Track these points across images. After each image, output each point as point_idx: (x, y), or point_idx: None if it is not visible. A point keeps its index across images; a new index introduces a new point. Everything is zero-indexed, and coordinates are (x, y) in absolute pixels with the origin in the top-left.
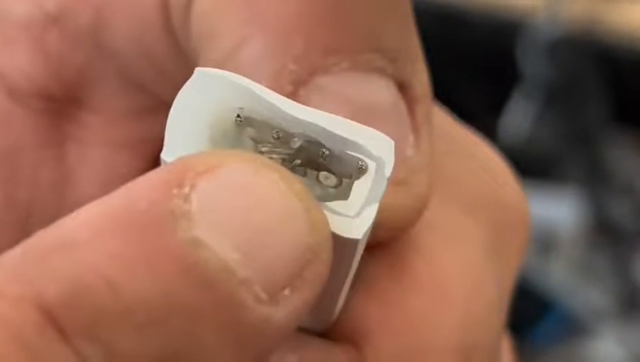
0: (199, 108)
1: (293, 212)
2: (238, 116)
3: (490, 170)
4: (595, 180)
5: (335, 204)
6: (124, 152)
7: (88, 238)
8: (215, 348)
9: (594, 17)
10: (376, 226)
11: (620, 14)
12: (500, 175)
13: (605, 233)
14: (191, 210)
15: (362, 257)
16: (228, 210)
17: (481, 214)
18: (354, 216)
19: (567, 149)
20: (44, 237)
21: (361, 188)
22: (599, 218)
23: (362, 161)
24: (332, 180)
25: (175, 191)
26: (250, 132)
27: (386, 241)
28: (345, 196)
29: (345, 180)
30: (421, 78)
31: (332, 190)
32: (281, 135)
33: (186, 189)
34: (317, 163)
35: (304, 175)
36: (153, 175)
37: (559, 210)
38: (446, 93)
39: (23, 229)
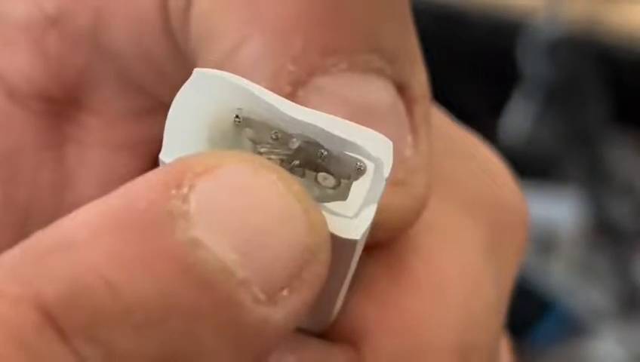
0: (198, 108)
1: (291, 212)
2: (237, 117)
3: (488, 170)
4: (595, 180)
5: (333, 205)
6: (124, 153)
7: (87, 238)
8: (214, 348)
9: (594, 17)
10: (375, 227)
11: (620, 14)
12: (498, 175)
13: (605, 233)
14: (189, 211)
15: (361, 257)
16: (226, 210)
17: (479, 214)
18: (352, 217)
19: (567, 149)
20: (42, 238)
21: (359, 188)
22: (599, 218)
23: (361, 161)
24: (330, 181)
25: (174, 191)
26: (249, 133)
27: (385, 242)
28: (343, 197)
29: (343, 181)
30: (420, 79)
31: (330, 191)
32: (279, 136)
33: (185, 190)
34: (315, 164)
35: (302, 176)
36: (152, 175)
37: (559, 210)
38: (446, 94)
39: (22, 230)
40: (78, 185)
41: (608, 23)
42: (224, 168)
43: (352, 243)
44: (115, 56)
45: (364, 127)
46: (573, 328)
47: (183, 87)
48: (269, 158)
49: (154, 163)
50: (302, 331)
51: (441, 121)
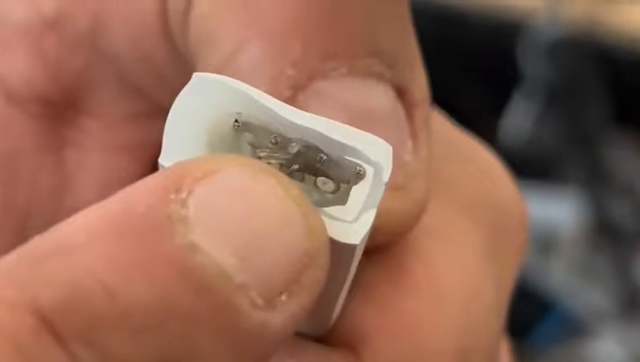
0: (197, 113)
1: (290, 217)
2: (236, 121)
3: (488, 173)
4: (595, 181)
5: (333, 210)
6: (123, 157)
7: (85, 243)
8: (212, 353)
9: (594, 18)
10: (374, 231)
11: (620, 15)
12: (497, 178)
13: (605, 233)
14: (188, 215)
15: (360, 261)
16: (225, 215)
17: (479, 217)
18: (352, 222)
19: (568, 150)
20: (40, 242)
21: (359, 193)
22: (599, 218)
23: (360, 166)
24: (330, 185)
25: (172, 196)
26: (248, 137)
27: (384, 246)
28: (343, 201)
29: (343, 185)
30: (420, 83)
31: (330, 195)
32: (279, 140)
33: (184, 194)
34: (315, 168)
35: (302, 180)
36: (151, 180)
37: (559, 210)
38: (446, 95)
39: (21, 233)
40: (77, 189)
41: (608, 24)
42: (223, 172)
43: (352, 247)
44: (114, 59)
45: (363, 132)
46: (574, 328)
47: (182, 92)
48: (269, 163)
49: (153, 166)
50: (301, 335)
51: (441, 124)
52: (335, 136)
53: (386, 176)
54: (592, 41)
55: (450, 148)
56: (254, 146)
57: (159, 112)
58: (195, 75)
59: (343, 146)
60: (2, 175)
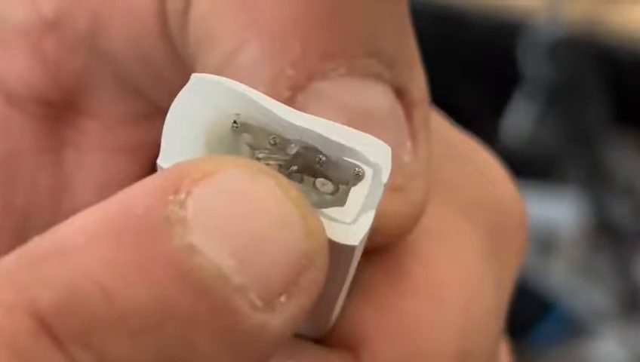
0: (196, 114)
1: (289, 218)
2: (235, 122)
3: (487, 173)
4: (595, 181)
5: (332, 211)
6: (122, 157)
7: (83, 244)
8: (210, 354)
9: (594, 18)
10: (373, 232)
11: (621, 15)
12: (497, 178)
13: (606, 234)
14: (186, 217)
15: (359, 262)
16: (224, 216)
17: (478, 218)
18: (350, 223)
19: (568, 150)
20: (39, 244)
21: (357, 194)
22: (600, 218)
23: (359, 167)
24: (329, 187)
25: (171, 197)
26: (247, 138)
27: (384, 246)
28: (341, 202)
29: (342, 187)
30: (419, 83)
31: (329, 196)
32: (277, 141)
33: (182, 195)
34: (314, 169)
35: (301, 181)
36: (149, 181)
37: (560, 210)
38: (447, 95)
39: (20, 234)
40: (76, 190)
41: (609, 24)
42: (221, 174)
43: (351, 249)
44: (113, 60)
45: (362, 133)
46: (574, 328)
47: (180, 93)
48: (267, 164)
49: (152, 167)
50: (300, 337)
51: (440, 124)
52: (334, 137)
53: (384, 177)
54: (592, 41)
55: (450, 149)
56: (253, 147)
57: (158, 113)
58: (194, 76)
59: (341, 147)
60: (1, 175)
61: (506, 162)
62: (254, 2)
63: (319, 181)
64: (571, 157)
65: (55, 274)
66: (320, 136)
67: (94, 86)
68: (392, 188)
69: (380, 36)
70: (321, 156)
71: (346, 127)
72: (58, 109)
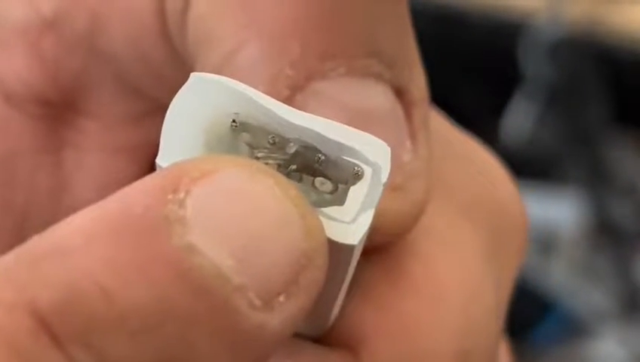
0: (195, 113)
1: (288, 218)
2: (234, 121)
3: (487, 173)
4: (596, 181)
5: (331, 210)
6: (122, 157)
7: (82, 244)
8: (210, 354)
9: (595, 18)
10: (373, 231)
11: (621, 15)
12: (497, 178)
13: (606, 234)
14: (186, 216)
15: (359, 262)
16: (223, 215)
17: (478, 218)
18: (350, 222)
19: (568, 150)
20: (38, 243)
21: (357, 193)
22: (600, 218)
23: (358, 166)
24: (328, 186)
25: (170, 196)
26: (246, 137)
27: (383, 246)
28: (341, 202)
29: (341, 186)
30: (418, 83)
31: (328, 196)
32: (276, 140)
33: (181, 195)
34: (313, 168)
35: (300, 180)
36: (148, 180)
37: (560, 210)
38: (447, 95)
39: (19, 234)
40: (75, 189)
41: (609, 24)
42: (221, 173)
43: (350, 248)
44: (112, 60)
45: (361, 132)
46: (574, 329)
47: (179, 91)
48: (266, 163)
49: (152, 167)
50: (299, 336)
51: (440, 124)
52: (333, 137)
53: (384, 177)
54: (592, 41)
55: (450, 148)
56: (252, 146)
57: (157, 112)
58: (193, 75)
59: (341, 146)
60: (0, 175)
61: (506, 162)
62: (253, 2)
63: (318, 180)
64: (571, 158)
65: (54, 274)
66: (319, 135)
67: (93, 86)
68: (391, 187)
69: (380, 36)
70: (320, 155)
71: (345, 126)
72: (57, 109)
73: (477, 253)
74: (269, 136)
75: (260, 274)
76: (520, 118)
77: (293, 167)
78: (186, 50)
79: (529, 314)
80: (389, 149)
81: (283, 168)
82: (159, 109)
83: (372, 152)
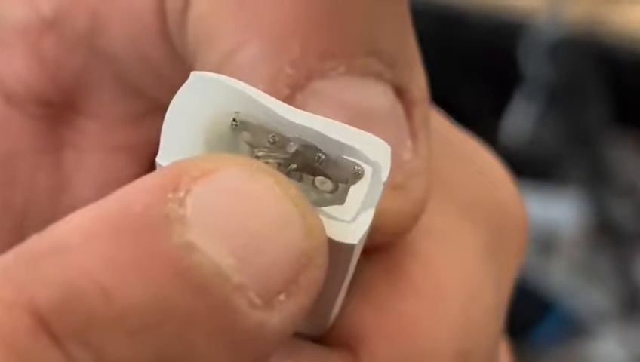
0: (195, 112)
1: (288, 217)
2: (234, 120)
3: (487, 173)
4: (596, 181)
5: (331, 209)
6: (121, 157)
7: (81, 242)
8: (209, 353)
9: (595, 18)
10: (373, 231)
11: (621, 15)
12: (497, 178)
13: (606, 234)
14: (186, 215)
15: (359, 261)
16: (223, 214)
17: (478, 218)
18: (350, 221)
19: (568, 150)
20: (37, 242)
21: (357, 193)
22: (600, 219)
23: (358, 165)
24: (328, 185)
25: (170, 195)
26: (246, 136)
27: (383, 246)
28: (341, 201)
29: (341, 185)
30: (419, 82)
31: (328, 195)
32: (277, 139)
33: (181, 193)
34: (313, 167)
35: (300, 180)
36: (148, 179)
37: (560, 210)
38: (447, 95)
39: (19, 234)
40: (75, 189)
41: (609, 24)
42: (221, 172)
43: (350, 247)
44: (112, 59)
45: (362, 131)
46: (574, 329)
47: (180, 90)
48: (267, 162)
49: (151, 166)
50: (299, 336)
51: (440, 123)
52: (333, 136)
53: (384, 176)
54: (592, 41)
55: (450, 148)
56: (252, 145)
57: (157, 112)
58: (193, 74)
59: (341, 145)
60: (0, 175)
61: (506, 162)
62: (253, 2)
63: (318, 179)
64: (572, 158)
65: (53, 272)
66: (319, 134)
67: (93, 85)
68: (392, 186)
69: (380, 35)
70: (320, 154)
71: (345, 125)
72: (57, 109)
73: (477, 253)
74: (270, 135)
75: (260, 273)
76: (520, 118)
77: (294, 166)
78: (186, 49)
79: (529, 314)
80: (389, 148)
81: (283, 167)
82: (159, 109)
83: (372, 151)
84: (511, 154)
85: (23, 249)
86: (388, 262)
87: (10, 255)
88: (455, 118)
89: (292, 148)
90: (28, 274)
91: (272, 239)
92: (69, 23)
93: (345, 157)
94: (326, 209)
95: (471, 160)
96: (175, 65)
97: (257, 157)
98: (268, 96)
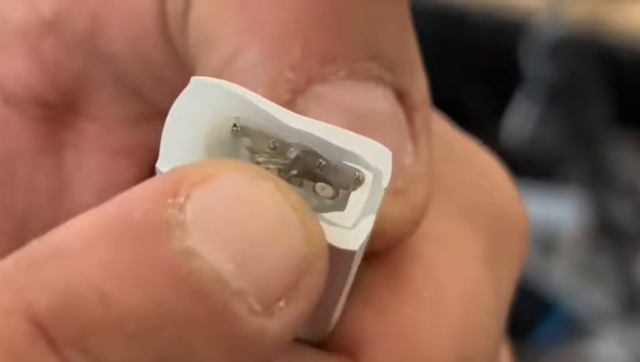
0: (195, 117)
1: (288, 223)
2: (235, 125)
3: (488, 176)
4: (597, 181)
5: (331, 215)
6: (121, 159)
7: (81, 248)
8: (208, 359)
9: (596, 18)
10: (374, 236)
11: (622, 15)
12: (498, 181)
13: (607, 234)
14: (185, 220)
15: (359, 266)
16: (223, 220)
17: (479, 221)
18: (350, 227)
19: (569, 150)
20: (37, 247)
21: (357, 199)
22: (601, 219)
23: (359, 171)
24: (329, 191)
25: (170, 200)
26: (247, 142)
27: (384, 250)
28: (341, 207)
29: (342, 191)
30: (420, 86)
31: (329, 201)
32: (277, 145)
33: (181, 199)
34: (313, 173)
35: (300, 185)
36: (148, 184)
37: (561, 210)
38: (448, 95)
39: (19, 237)
40: (75, 191)
41: (610, 24)
42: (221, 177)
43: (350, 254)
44: (113, 61)
45: (362, 137)
46: (575, 329)
47: (180, 96)
48: (267, 168)
49: (152, 169)
50: (299, 341)
51: (441, 126)
52: (334, 141)
53: (385, 182)
54: (593, 41)
55: (450, 151)
56: (253, 151)
57: (158, 114)
58: (193, 79)
59: (342, 151)
60: (0, 177)
61: (507, 162)
62: (254, 4)
63: (319, 185)
64: (573, 158)
65: (52, 278)
66: (320, 139)
67: (93, 87)
68: (392, 191)
69: (381, 39)
70: (321, 160)
71: (346, 130)
72: (57, 110)
73: (477, 257)
74: (270, 141)
75: (259, 279)
76: (521, 118)
77: (294, 172)
78: (187, 51)
79: (530, 314)
80: (390, 154)
81: (284, 173)
82: (160, 111)
83: (373, 157)
84: (511, 154)
85: (22, 254)
86: (388, 267)
87: (10, 260)
88: (456, 118)
89: (293, 153)
90: (27, 279)
91: (272, 245)
92: (69, 25)
93: (346, 163)
94: (326, 215)
95: (471, 162)
96: (175, 67)
97: (258, 163)
98: (268, 102)
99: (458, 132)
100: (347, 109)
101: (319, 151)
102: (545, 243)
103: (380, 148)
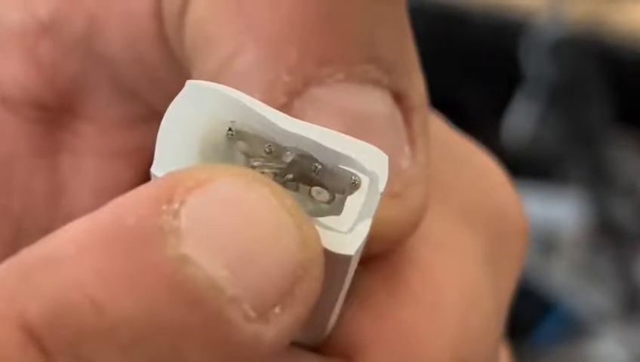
0: (190, 121)
1: (283, 228)
2: (230, 130)
3: (486, 177)
4: (597, 181)
5: (327, 220)
6: (118, 161)
7: (73, 255)
8: None
9: (597, 18)
10: (371, 239)
11: (623, 15)
12: (496, 183)
13: (607, 234)
14: (180, 227)
15: (356, 270)
16: (217, 226)
17: (477, 224)
18: (347, 232)
19: (570, 150)
20: (29, 254)
21: (354, 203)
22: (601, 219)
23: (355, 175)
24: (325, 195)
25: (164, 207)
26: (242, 146)
27: (382, 253)
28: (338, 211)
29: (338, 195)
30: (417, 88)
31: (324, 205)
32: (273, 149)
33: (176, 205)
34: (309, 177)
35: (296, 190)
36: (142, 190)
37: (561, 210)
38: (448, 95)
39: (16, 240)
40: (72, 194)
41: (611, 23)
42: (216, 182)
43: (347, 258)
44: (109, 63)
45: (358, 140)
46: (575, 329)
47: (175, 99)
48: (262, 172)
49: (148, 171)
50: (296, 345)
51: (439, 128)
52: (330, 145)
53: (381, 186)
54: (594, 41)
55: (448, 152)
56: (248, 155)
57: (154, 116)
58: (189, 83)
59: (337, 155)
60: None
61: (507, 162)
62: (251, 6)
63: (315, 189)
64: (573, 157)
65: (45, 285)
66: (316, 143)
67: (90, 89)
68: (390, 194)
69: (378, 41)
70: (316, 164)
71: (342, 134)
72: (54, 113)
73: (476, 259)
74: (266, 145)
75: (254, 286)
76: (521, 118)
77: (290, 176)
78: (183, 53)
79: (530, 314)
80: (386, 158)
81: (279, 177)
82: (156, 113)
83: (369, 161)
84: (512, 154)
85: (14, 261)
86: (386, 270)
87: (2, 267)
88: (456, 118)
89: (288, 157)
90: (19, 286)
91: (268, 250)
92: (65, 27)
93: (342, 167)
94: (322, 219)
95: (469, 163)
96: (172, 69)
97: (253, 167)
98: (264, 105)
99: (456, 133)
100: (344, 112)
101: (315, 155)
102: (545, 243)
103: (376, 152)
